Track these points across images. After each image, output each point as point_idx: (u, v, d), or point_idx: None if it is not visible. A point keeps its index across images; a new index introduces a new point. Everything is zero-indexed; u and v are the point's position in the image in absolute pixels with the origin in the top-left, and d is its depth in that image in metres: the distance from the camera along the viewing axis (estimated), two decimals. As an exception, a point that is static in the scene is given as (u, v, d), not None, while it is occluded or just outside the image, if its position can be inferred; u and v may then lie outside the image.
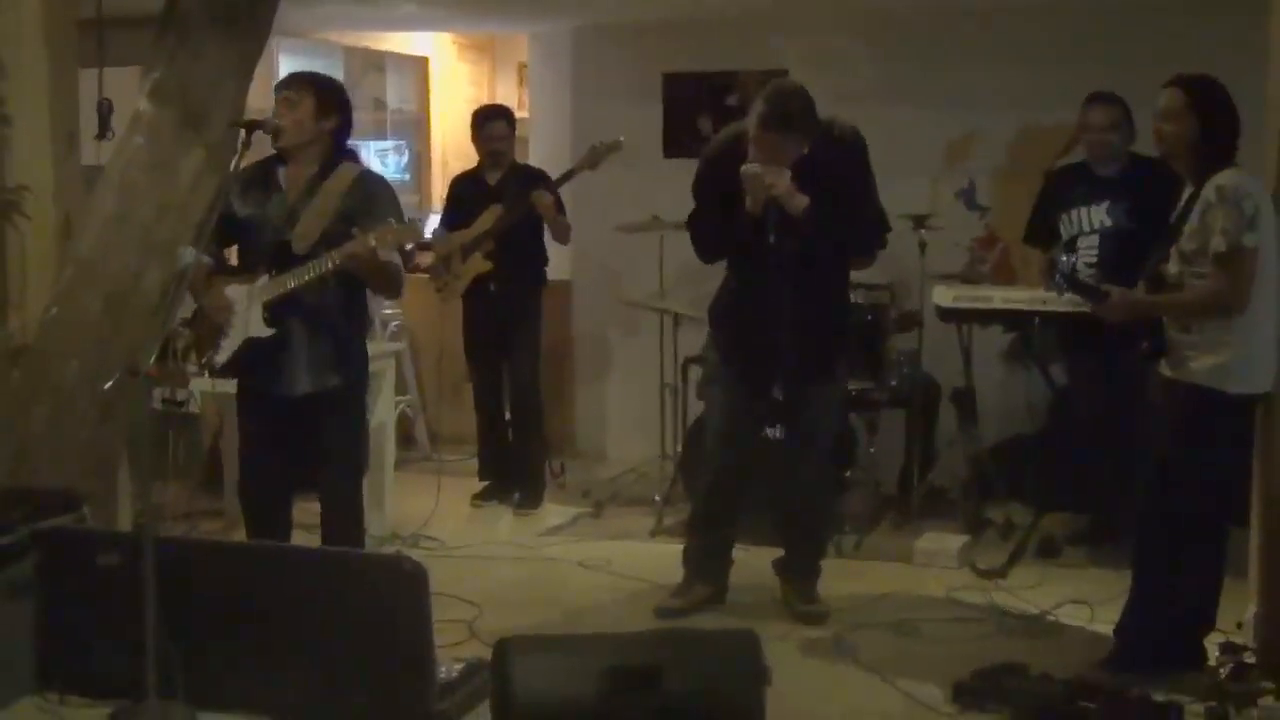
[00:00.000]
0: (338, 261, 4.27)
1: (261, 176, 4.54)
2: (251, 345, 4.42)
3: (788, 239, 4.57)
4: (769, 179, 4.52)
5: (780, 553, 5.08)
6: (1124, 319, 4.24)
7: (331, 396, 4.50)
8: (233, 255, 4.73)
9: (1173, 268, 4.13)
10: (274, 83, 6.40)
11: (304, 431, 4.53)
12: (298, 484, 4.78)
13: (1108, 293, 4.23)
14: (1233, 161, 4.05)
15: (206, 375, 4.60)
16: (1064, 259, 4.89)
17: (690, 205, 4.93)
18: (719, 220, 4.74)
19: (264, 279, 4.41)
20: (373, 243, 4.21)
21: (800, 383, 4.70)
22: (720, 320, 4.97)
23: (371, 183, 4.59)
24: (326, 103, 4.48)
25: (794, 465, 4.90)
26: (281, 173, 4.53)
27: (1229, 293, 3.97)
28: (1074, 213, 5.58)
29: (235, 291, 4.45)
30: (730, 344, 4.91)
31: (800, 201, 4.54)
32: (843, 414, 5.43)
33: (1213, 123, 4.05)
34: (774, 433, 5.10)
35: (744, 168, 4.57)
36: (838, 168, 4.64)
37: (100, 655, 3.96)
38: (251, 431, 4.67)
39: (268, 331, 4.41)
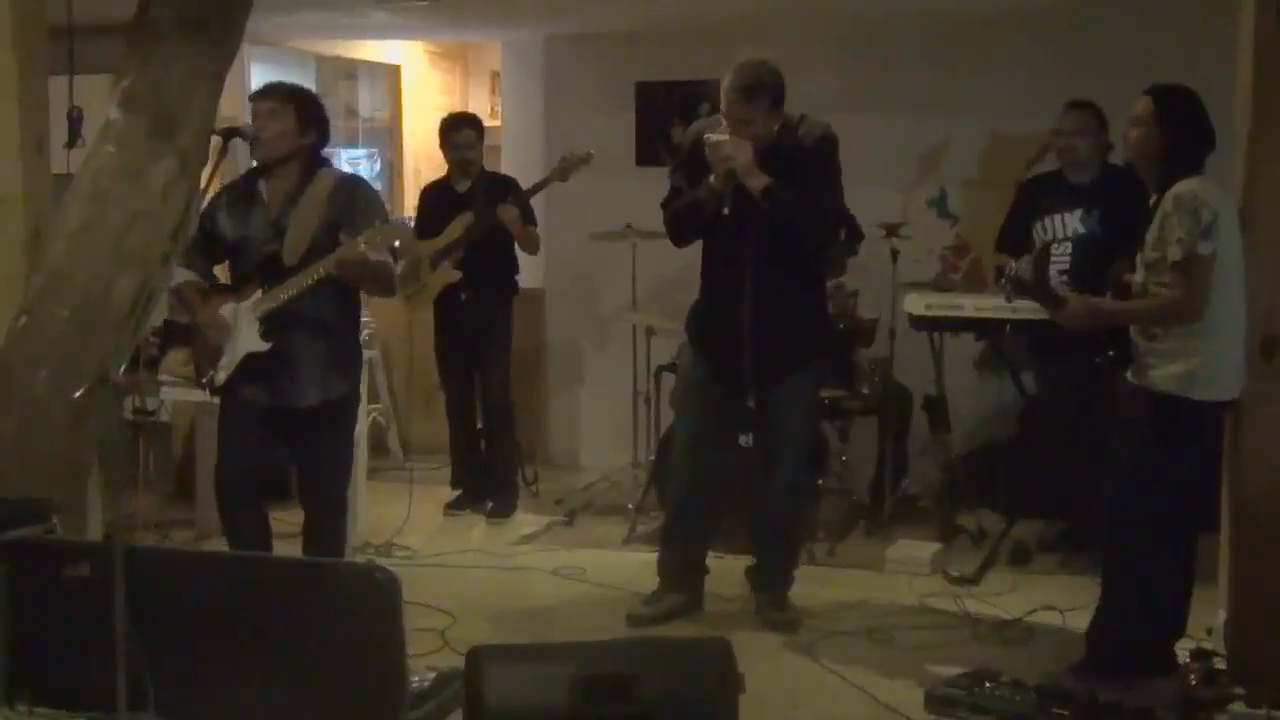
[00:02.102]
0: (329, 269, 4.29)
1: (244, 193, 4.58)
2: (250, 360, 4.44)
3: (745, 214, 4.57)
4: (728, 150, 4.55)
5: (753, 561, 5.09)
6: (1081, 326, 4.26)
7: (331, 407, 4.53)
8: (223, 274, 4.74)
9: (1138, 277, 4.16)
10: (246, 89, 6.40)
11: (294, 442, 4.55)
12: (273, 494, 4.78)
13: (1065, 299, 4.25)
14: (1197, 172, 4.08)
15: (208, 394, 4.61)
16: (1011, 264, 4.93)
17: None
18: (688, 199, 4.75)
19: (257, 294, 4.44)
20: (362, 246, 4.23)
21: (770, 373, 4.71)
22: (692, 315, 4.99)
23: (352, 185, 4.64)
24: (307, 117, 4.53)
25: (767, 472, 4.91)
26: (263, 187, 4.56)
27: (1184, 301, 4.00)
28: (1047, 220, 5.62)
29: (230, 309, 4.48)
30: (702, 335, 4.91)
31: (759, 180, 4.56)
32: (816, 420, 5.42)
33: (1178, 134, 4.08)
34: (747, 440, 5.11)
35: (707, 135, 4.62)
36: (803, 158, 4.67)
37: (70, 667, 3.93)
38: (233, 438, 4.62)
39: (264, 346, 4.42)
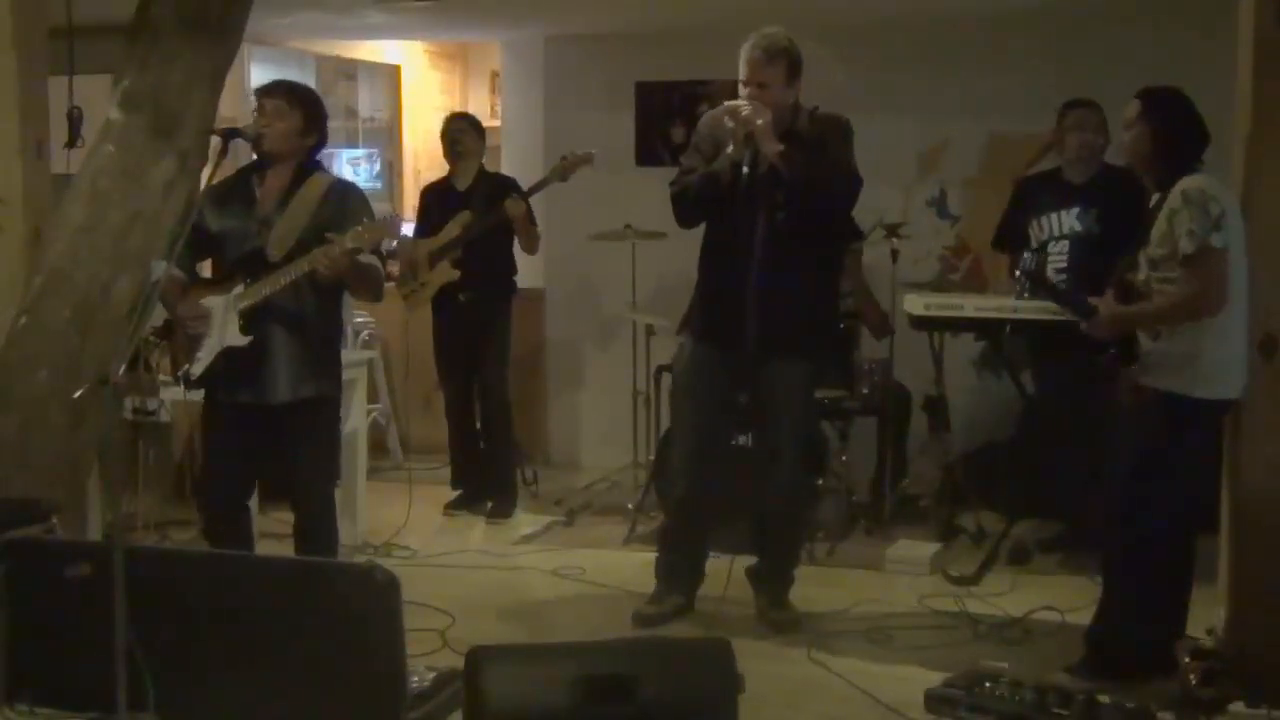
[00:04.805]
0: (316, 265, 4.28)
1: (236, 189, 4.57)
2: (227, 355, 4.42)
3: (758, 189, 4.61)
4: (746, 112, 4.60)
5: (754, 561, 5.09)
6: (1110, 336, 4.23)
7: (306, 406, 4.50)
8: (206, 269, 4.73)
9: (1141, 274, 4.16)
10: (245, 89, 6.40)
11: (277, 442, 4.53)
12: (269, 494, 4.77)
13: (1096, 308, 4.23)
14: (1196, 169, 4.08)
15: (183, 388, 4.57)
16: (1026, 257, 4.90)
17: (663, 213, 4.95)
18: (703, 171, 4.76)
19: (239, 288, 4.41)
20: (349, 244, 4.23)
21: (773, 347, 4.71)
22: (691, 308, 4.98)
23: (345, 190, 4.64)
24: (312, 119, 4.55)
25: (766, 472, 4.90)
26: (255, 184, 4.55)
27: (1202, 293, 4.00)
28: (1044, 218, 5.62)
29: (210, 302, 4.45)
30: (703, 318, 4.89)
31: (775, 145, 4.60)
32: (813, 419, 5.40)
33: (1168, 133, 4.10)
34: (745, 440, 5.11)
35: (726, 103, 4.69)
36: (819, 136, 4.73)
37: (70, 667, 3.93)
38: (219, 442, 4.64)
39: (243, 340, 4.40)
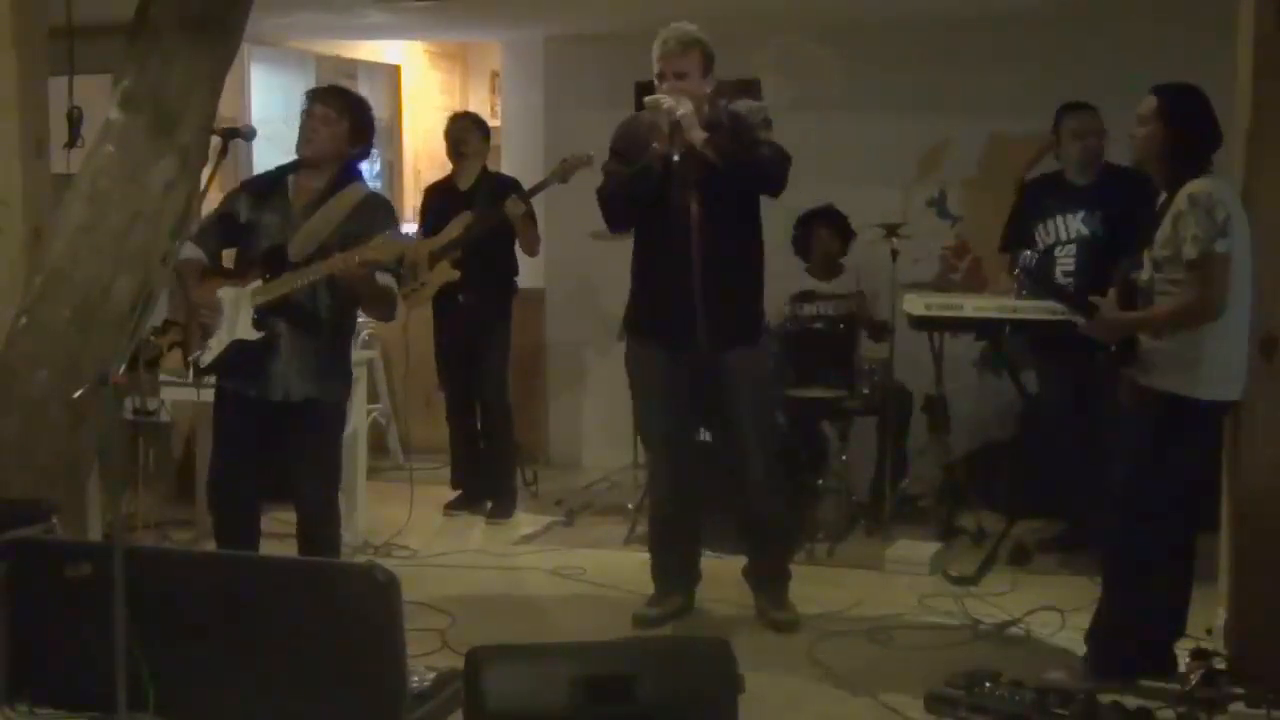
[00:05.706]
0: (332, 270, 4.30)
1: (271, 184, 4.65)
2: (237, 348, 4.45)
3: (688, 179, 4.64)
4: (668, 103, 4.61)
5: (747, 561, 5.08)
6: (1109, 339, 4.23)
7: (309, 408, 4.52)
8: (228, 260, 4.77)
9: (1145, 275, 4.15)
10: (246, 90, 6.41)
11: (280, 439, 4.55)
12: (270, 493, 4.78)
13: (1097, 307, 4.23)
14: (1206, 170, 4.07)
15: (191, 373, 4.60)
16: (1026, 254, 4.87)
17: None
18: (629, 171, 4.76)
19: (257, 283, 4.45)
20: (370, 254, 4.24)
21: (725, 336, 4.72)
22: (632, 306, 4.98)
23: (377, 204, 4.69)
24: (358, 128, 4.62)
25: (738, 471, 4.89)
26: (292, 182, 4.62)
27: (1203, 299, 3.99)
28: (1050, 222, 5.62)
29: (226, 293, 4.49)
30: (649, 315, 4.89)
31: (701, 133, 4.61)
32: (773, 412, 5.35)
33: (1183, 131, 4.07)
34: (704, 435, 5.10)
35: (647, 98, 4.71)
36: (735, 127, 4.72)
37: (70, 667, 3.93)
38: (226, 434, 4.67)
39: (255, 335, 4.44)
